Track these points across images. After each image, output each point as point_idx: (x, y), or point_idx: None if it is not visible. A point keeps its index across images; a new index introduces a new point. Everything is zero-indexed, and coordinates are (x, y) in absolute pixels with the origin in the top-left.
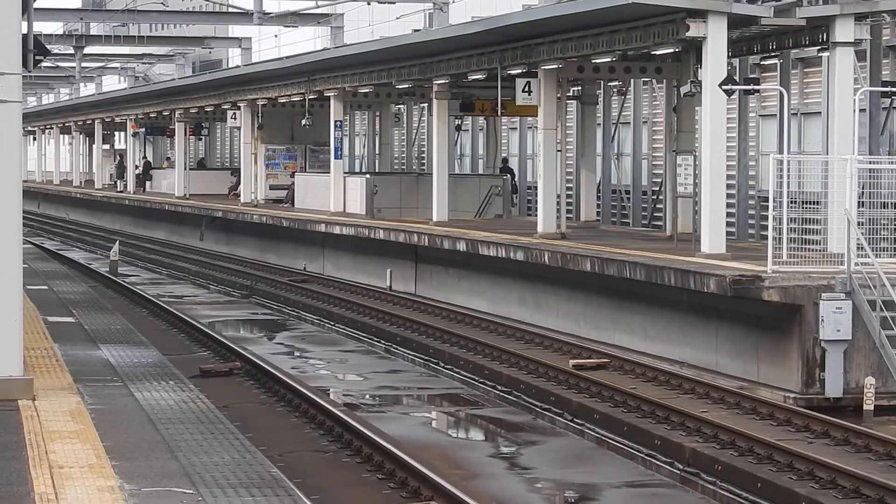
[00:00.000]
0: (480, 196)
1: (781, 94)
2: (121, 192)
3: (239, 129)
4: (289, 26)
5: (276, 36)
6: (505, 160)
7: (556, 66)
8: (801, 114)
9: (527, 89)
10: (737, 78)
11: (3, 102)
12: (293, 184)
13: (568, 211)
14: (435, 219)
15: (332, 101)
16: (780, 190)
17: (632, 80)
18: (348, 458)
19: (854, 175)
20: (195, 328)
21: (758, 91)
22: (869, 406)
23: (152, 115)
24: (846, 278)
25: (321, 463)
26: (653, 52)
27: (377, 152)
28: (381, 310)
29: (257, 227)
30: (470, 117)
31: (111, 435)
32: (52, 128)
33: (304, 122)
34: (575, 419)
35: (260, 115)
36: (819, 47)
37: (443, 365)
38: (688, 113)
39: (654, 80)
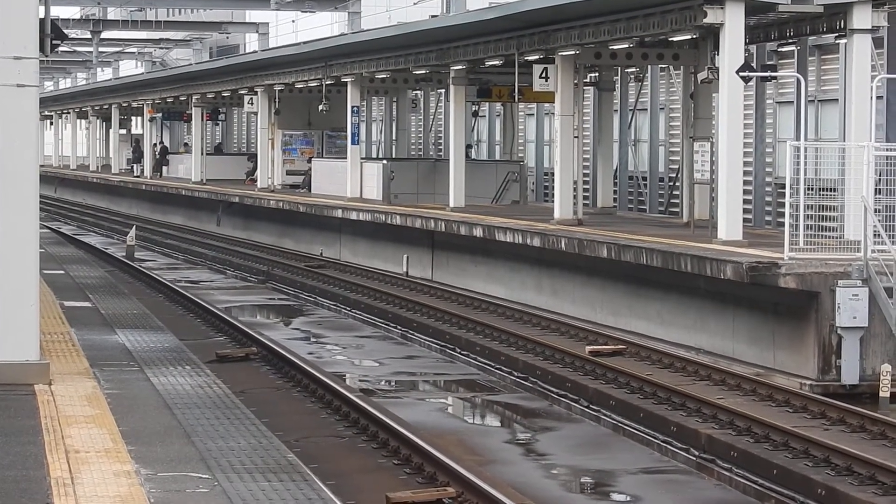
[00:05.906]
0: (497, 182)
1: (798, 81)
2: (137, 177)
3: (256, 114)
4: (306, 11)
5: (293, 21)
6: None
7: (573, 53)
8: (819, 101)
9: (544, 75)
10: (754, 65)
11: (21, 87)
12: (310, 169)
13: (585, 197)
14: (452, 205)
15: (349, 87)
16: (797, 177)
17: (649, 67)
18: (364, 443)
19: (871, 162)
20: (211, 313)
21: (775, 78)
22: (885, 393)
23: (169, 100)
24: (863, 265)
25: (337, 448)
26: (670, 39)
27: (394, 138)
28: (397, 295)
29: (274, 213)
30: (487, 103)
31: (127, 419)
32: (68, 112)
33: (321, 107)
34: (591, 405)
35: (277, 100)
36: (836, 34)
37: (459, 351)
38: (705, 99)
39: (671, 67)
